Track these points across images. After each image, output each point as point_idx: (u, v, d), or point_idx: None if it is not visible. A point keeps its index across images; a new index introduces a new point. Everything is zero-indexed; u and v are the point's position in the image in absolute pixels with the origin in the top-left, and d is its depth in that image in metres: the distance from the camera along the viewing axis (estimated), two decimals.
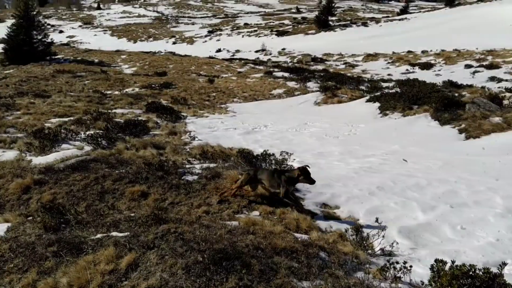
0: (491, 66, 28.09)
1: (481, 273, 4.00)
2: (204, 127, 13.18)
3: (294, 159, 9.22)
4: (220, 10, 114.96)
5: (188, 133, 12.28)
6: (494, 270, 4.37)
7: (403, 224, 6.01)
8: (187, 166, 8.27)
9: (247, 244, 4.54)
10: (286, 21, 79.77)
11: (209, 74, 29.15)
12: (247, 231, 5.18)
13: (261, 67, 33.90)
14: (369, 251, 5.27)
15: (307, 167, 6.38)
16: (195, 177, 7.47)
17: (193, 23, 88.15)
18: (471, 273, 3.97)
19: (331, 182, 7.66)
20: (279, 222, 5.99)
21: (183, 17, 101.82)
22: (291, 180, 6.37)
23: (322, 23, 63.86)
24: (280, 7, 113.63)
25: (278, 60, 43.61)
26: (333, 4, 71.83)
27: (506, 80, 22.94)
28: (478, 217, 6.07)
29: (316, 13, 71.40)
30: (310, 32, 64.00)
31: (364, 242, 5.37)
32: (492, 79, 23.40)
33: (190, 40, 67.85)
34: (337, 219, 6.37)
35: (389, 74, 29.82)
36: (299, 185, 7.40)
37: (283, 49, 50.91)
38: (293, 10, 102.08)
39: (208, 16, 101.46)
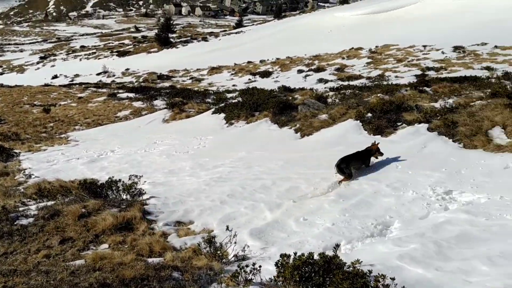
0: (318, 69, 31.52)
1: (318, 258, 4.40)
2: (41, 162, 11.93)
3: (145, 181, 8.95)
4: (51, 34, 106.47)
5: (22, 172, 11.00)
6: (331, 253, 4.86)
7: (253, 227, 6.28)
8: (21, 208, 7.36)
9: (91, 283, 4.20)
10: (127, 41, 77.67)
11: (44, 103, 26.53)
12: (93, 268, 4.80)
13: (104, 90, 32.19)
14: (224, 259, 5.36)
15: None
16: (31, 219, 6.69)
17: (21, 50, 79.87)
18: (310, 260, 4.33)
19: (183, 198, 7.63)
20: (131, 250, 5.72)
21: (9, 44, 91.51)
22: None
23: (164, 41, 63.89)
24: (117, 27, 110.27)
25: (123, 81, 42.04)
26: (171, 22, 72.39)
27: (331, 81, 26.05)
28: (316, 206, 6.67)
29: (156, 31, 71.07)
30: (152, 50, 63.39)
31: (219, 252, 5.45)
32: (320, 80, 26.32)
33: (20, 69, 61.16)
34: (192, 234, 6.37)
35: (234, 85, 31.16)
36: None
37: (127, 69, 49.31)
38: (132, 30, 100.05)
39: (38, 41, 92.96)
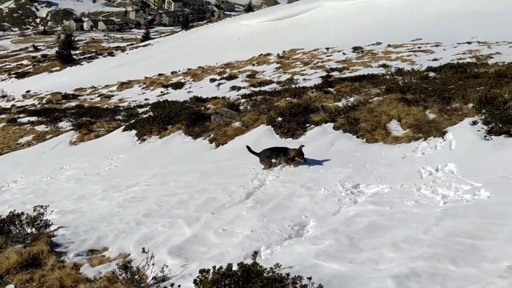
0: (230, 77, 31.88)
1: (237, 268, 4.39)
2: None
3: (52, 211, 8.32)
4: None
5: None
6: (250, 261, 4.88)
7: (172, 244, 6.10)
8: None
9: None
10: (25, 61, 72.42)
11: None
12: None
13: (3, 116, 29.59)
14: (142, 284, 5.13)
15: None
16: None
17: None
18: (229, 272, 4.30)
19: (95, 224, 7.20)
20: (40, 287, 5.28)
21: None
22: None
23: (66, 58, 60.60)
24: (14, 48, 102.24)
25: (24, 104, 38.95)
26: (73, 38, 68.78)
27: (244, 88, 26.46)
28: (234, 215, 6.67)
29: (57, 48, 67.06)
30: (54, 69, 59.76)
31: (136, 277, 5.20)
32: (233, 88, 26.62)
33: None
34: (107, 261, 6.03)
35: (146, 99, 30.35)
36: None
37: (28, 91, 45.86)
38: (31, 49, 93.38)
39: None
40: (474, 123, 7.96)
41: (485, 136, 7.48)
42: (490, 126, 7.59)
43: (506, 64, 14.74)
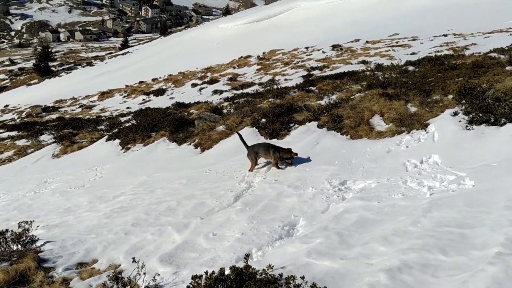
0: (212, 81, 31.76)
1: (229, 272, 4.36)
2: None
3: (38, 226, 8.17)
4: None
5: None
6: (243, 264, 4.85)
7: (163, 252, 6.04)
8: None
9: None
10: (2, 76, 71.04)
11: None
12: None
13: None
14: None
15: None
16: None
17: None
18: (221, 277, 4.27)
19: (82, 237, 7.09)
20: None
21: None
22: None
23: (44, 70, 59.72)
24: None
25: (3, 119, 38.19)
26: (50, 49, 67.81)
27: (226, 91, 26.39)
28: (224, 219, 6.63)
29: (34, 61, 66.02)
30: (32, 82, 58.81)
31: (128, 287, 5.14)
32: (216, 92, 26.52)
33: None
34: (97, 274, 5.93)
35: (128, 107, 30.06)
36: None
37: (6, 105, 44.99)
38: (7, 63, 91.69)
39: None
40: (455, 114, 8.08)
41: (467, 126, 7.60)
42: (471, 116, 7.72)
43: (482, 54, 15.03)
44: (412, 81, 10.94)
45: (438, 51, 21.21)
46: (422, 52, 22.22)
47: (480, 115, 7.54)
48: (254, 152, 8.33)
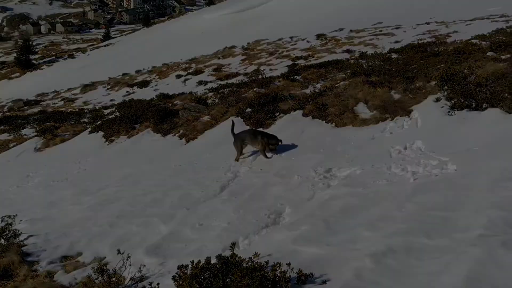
0: (197, 72, 31.49)
1: (216, 261, 4.35)
2: None
3: (21, 220, 8.02)
4: None
5: None
6: (229, 253, 4.84)
7: (148, 243, 5.99)
8: None
9: None
10: None
11: None
12: None
13: None
14: (120, 286, 5.03)
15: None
16: None
17: None
18: (208, 266, 4.25)
19: (66, 230, 7.00)
20: None
21: None
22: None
23: (25, 64, 58.55)
24: None
25: None
26: (31, 42, 66.38)
27: (211, 82, 26.20)
28: (210, 209, 6.61)
29: (15, 54, 64.63)
30: (14, 75, 57.61)
31: (113, 279, 5.09)
32: (200, 83, 26.32)
33: None
34: (82, 266, 5.87)
35: (111, 100, 29.65)
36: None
37: None
38: None
39: None
40: (438, 100, 8.15)
41: (449, 112, 7.68)
42: (453, 101, 7.79)
43: (464, 41, 15.17)
44: (396, 68, 11.00)
45: (421, 39, 21.33)
46: (405, 40, 22.33)
47: (462, 100, 7.62)
48: (240, 140, 8.27)
